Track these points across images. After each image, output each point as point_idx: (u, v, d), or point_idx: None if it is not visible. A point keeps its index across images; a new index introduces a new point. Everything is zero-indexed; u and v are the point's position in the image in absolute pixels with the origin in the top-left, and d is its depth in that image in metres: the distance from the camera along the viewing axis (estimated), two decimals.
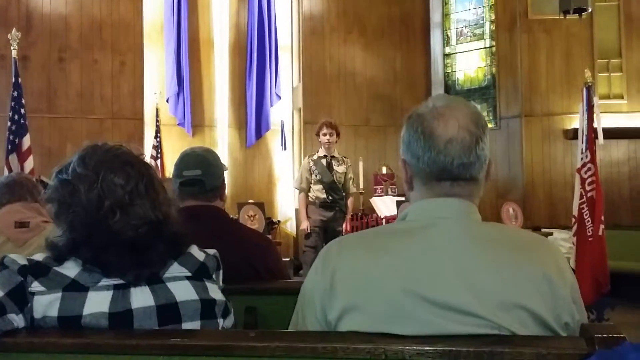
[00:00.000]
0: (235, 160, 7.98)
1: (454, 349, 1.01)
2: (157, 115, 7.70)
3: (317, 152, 5.83)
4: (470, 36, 8.57)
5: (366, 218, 6.81)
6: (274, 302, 1.93)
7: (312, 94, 8.14)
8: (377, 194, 7.09)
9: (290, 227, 8.15)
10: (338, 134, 5.75)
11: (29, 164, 5.09)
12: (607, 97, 7.46)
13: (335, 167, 5.76)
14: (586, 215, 4.54)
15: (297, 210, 8.02)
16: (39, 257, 1.23)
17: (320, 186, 5.71)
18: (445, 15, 8.73)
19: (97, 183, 1.22)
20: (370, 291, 1.15)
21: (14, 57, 5.17)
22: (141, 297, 1.21)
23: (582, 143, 4.66)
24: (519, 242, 1.24)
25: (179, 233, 1.30)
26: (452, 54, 8.69)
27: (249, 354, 1.04)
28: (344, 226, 5.88)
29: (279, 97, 8.29)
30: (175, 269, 1.27)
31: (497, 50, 8.11)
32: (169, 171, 7.63)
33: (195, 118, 7.98)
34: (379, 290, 1.14)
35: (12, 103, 5.13)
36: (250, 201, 6.66)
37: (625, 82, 7.57)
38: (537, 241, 1.27)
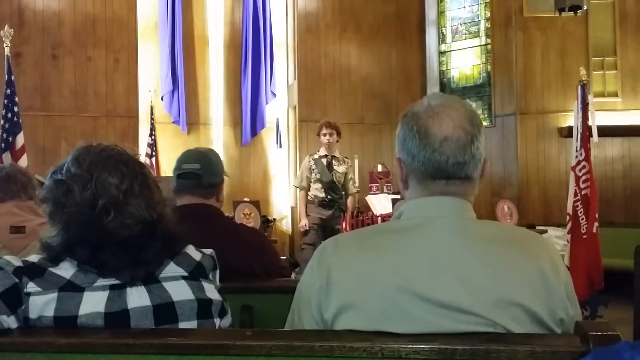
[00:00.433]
0: (230, 158, 7.96)
1: (449, 347, 1.01)
2: (151, 113, 7.67)
3: (318, 151, 5.87)
4: (466, 34, 8.57)
5: (362, 216, 6.80)
6: (270, 301, 1.94)
7: (308, 92, 8.13)
8: (372, 192, 7.09)
9: (285, 225, 8.15)
10: (339, 134, 5.79)
11: (23, 162, 5.08)
12: (602, 95, 7.48)
13: (335, 167, 5.79)
14: (580, 212, 4.56)
15: (292, 209, 8.02)
16: (34, 258, 1.23)
17: (319, 185, 5.74)
18: (441, 13, 8.73)
19: (91, 183, 1.22)
20: (365, 289, 1.15)
21: (7, 55, 5.15)
22: (137, 297, 1.21)
23: (577, 141, 4.68)
24: (514, 239, 1.24)
25: (174, 233, 1.31)
26: (448, 51, 8.70)
27: (245, 353, 1.04)
28: (342, 225, 5.90)
29: (274, 95, 8.27)
30: (172, 268, 1.27)
31: (493, 48, 8.11)
32: (164, 169, 7.64)
33: (190, 116, 7.96)
34: (374, 288, 1.14)
35: (5, 101, 5.11)
36: (246, 199, 6.67)
37: (620, 80, 7.59)
38: (531, 238, 1.27)
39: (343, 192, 5.86)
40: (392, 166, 7.04)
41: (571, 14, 6.22)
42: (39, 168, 5.90)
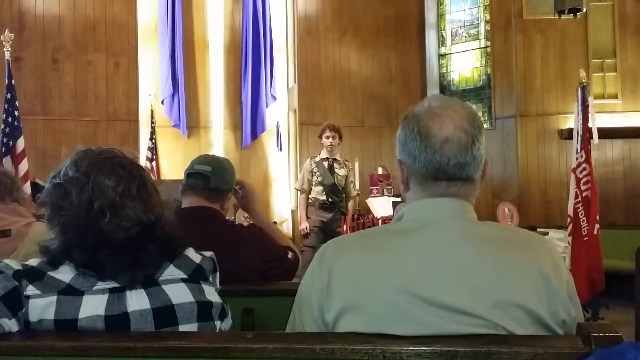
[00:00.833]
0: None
1: (451, 349, 1.01)
2: (152, 117, 7.68)
3: (320, 154, 5.87)
4: (465, 36, 8.58)
5: (362, 219, 6.80)
6: (270, 304, 1.93)
7: (308, 95, 8.14)
8: (373, 195, 7.09)
9: (286, 228, 8.15)
10: (340, 137, 5.80)
11: (24, 166, 5.07)
12: (602, 97, 7.49)
13: (336, 170, 5.80)
14: (581, 214, 4.56)
15: (293, 212, 8.02)
16: (33, 262, 1.23)
17: (320, 188, 5.75)
18: (440, 16, 8.74)
19: (88, 185, 1.23)
20: (366, 291, 1.15)
21: (7, 59, 5.15)
22: (137, 300, 1.20)
23: (577, 143, 4.68)
24: (515, 241, 1.24)
25: (174, 235, 1.30)
26: (447, 54, 8.71)
27: (246, 356, 1.03)
28: (343, 227, 5.90)
29: (275, 98, 8.28)
30: (171, 271, 1.27)
31: (492, 51, 8.12)
32: (164, 173, 7.65)
33: (191, 119, 7.96)
34: (375, 290, 1.14)
35: (6, 105, 5.11)
36: None
37: (620, 82, 7.59)
38: (532, 239, 1.27)
39: (344, 195, 5.86)
40: (392, 169, 7.04)
41: (570, 16, 6.23)
42: (39, 172, 5.91)
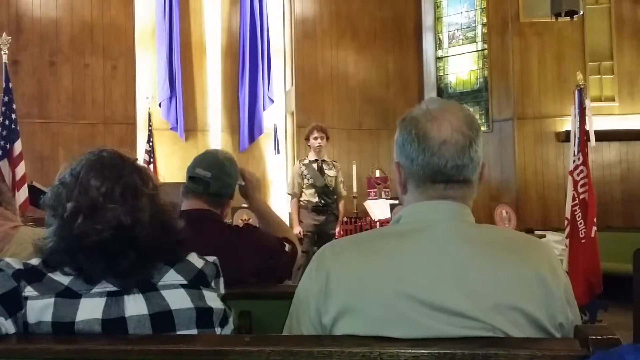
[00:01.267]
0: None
1: (448, 351, 1.01)
2: (149, 120, 7.68)
3: (307, 156, 5.85)
4: (462, 39, 8.60)
5: (360, 221, 6.81)
6: (268, 307, 1.93)
7: (305, 98, 8.14)
8: (370, 198, 7.09)
9: None
10: (327, 138, 5.79)
11: (21, 169, 5.06)
12: (599, 99, 7.50)
13: (326, 171, 5.79)
14: (579, 217, 4.56)
15: (290, 214, 8.01)
16: (35, 261, 1.22)
17: (312, 190, 5.72)
18: (437, 19, 8.76)
19: (76, 186, 1.22)
20: (364, 294, 1.15)
21: (5, 62, 5.14)
22: (135, 305, 1.19)
23: (574, 145, 4.69)
24: (512, 244, 1.24)
25: (176, 240, 1.29)
26: (445, 57, 8.73)
27: (244, 359, 1.03)
28: (337, 229, 5.88)
29: (272, 101, 8.28)
30: (171, 276, 1.25)
31: (489, 53, 8.14)
32: (162, 176, 7.63)
33: (188, 122, 7.96)
34: (373, 293, 1.14)
35: (3, 108, 5.10)
36: (244, 205, 6.64)
37: (617, 84, 7.62)
38: (530, 242, 1.27)
39: (335, 197, 5.84)
40: (390, 171, 7.05)
41: (567, 19, 6.24)
42: (36, 175, 5.90)
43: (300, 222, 5.70)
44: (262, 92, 8.18)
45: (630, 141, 7.48)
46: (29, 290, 1.16)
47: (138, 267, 1.21)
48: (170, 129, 7.85)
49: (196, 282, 1.26)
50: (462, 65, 8.58)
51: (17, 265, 1.19)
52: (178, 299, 1.23)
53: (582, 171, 4.61)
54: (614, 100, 7.60)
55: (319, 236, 5.59)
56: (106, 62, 7.59)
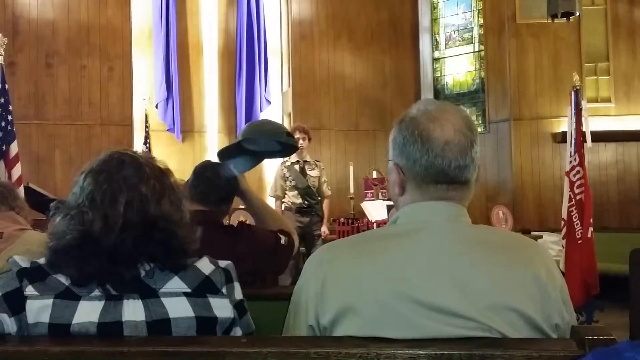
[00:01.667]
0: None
1: (445, 352, 1.01)
2: (146, 121, 7.66)
3: (289, 157, 5.77)
4: (459, 40, 8.62)
5: (357, 222, 6.80)
6: (265, 308, 1.93)
7: (302, 99, 8.14)
8: (367, 199, 7.09)
9: None
10: (310, 139, 5.79)
11: (17, 171, 5.04)
12: (595, 100, 7.53)
13: (308, 172, 5.78)
14: (575, 218, 4.57)
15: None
16: (43, 260, 1.22)
17: (295, 192, 5.72)
18: (434, 20, 8.77)
19: (77, 186, 1.25)
20: (361, 295, 1.15)
21: (1, 63, 5.13)
22: (132, 311, 1.18)
23: (571, 146, 4.70)
24: (509, 245, 1.24)
25: (182, 247, 1.26)
26: (441, 58, 8.74)
27: None
28: (322, 229, 5.87)
29: (269, 102, 8.28)
30: (174, 284, 1.22)
31: (486, 55, 8.15)
32: None
33: (185, 124, 7.95)
34: (370, 293, 1.14)
35: None
36: (241, 206, 6.63)
37: (613, 85, 7.64)
38: (525, 243, 1.28)
39: (319, 198, 5.83)
40: (387, 172, 7.04)
41: (564, 20, 6.25)
42: (33, 177, 5.89)
43: None
44: (259, 93, 8.17)
45: (626, 142, 7.50)
46: (29, 290, 1.16)
47: (128, 272, 1.21)
48: (167, 130, 7.83)
49: (201, 290, 1.23)
50: (458, 67, 8.59)
51: (24, 263, 1.19)
52: (178, 307, 1.20)
53: (578, 172, 4.61)
54: (610, 102, 7.62)
55: (304, 238, 5.56)
56: (103, 64, 7.57)
